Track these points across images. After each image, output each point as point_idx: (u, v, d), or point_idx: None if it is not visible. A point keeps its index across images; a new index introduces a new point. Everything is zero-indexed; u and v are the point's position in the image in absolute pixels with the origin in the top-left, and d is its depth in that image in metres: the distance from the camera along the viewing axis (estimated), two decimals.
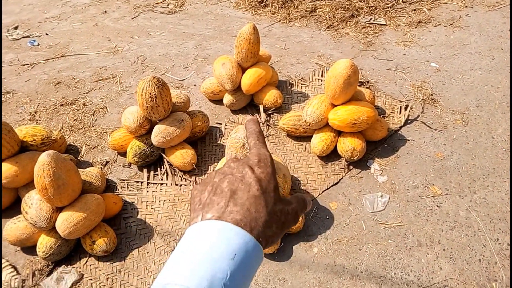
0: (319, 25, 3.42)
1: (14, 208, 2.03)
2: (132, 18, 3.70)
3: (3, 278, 1.81)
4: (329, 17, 3.48)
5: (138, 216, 2.00)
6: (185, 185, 2.14)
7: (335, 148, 2.18)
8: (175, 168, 2.18)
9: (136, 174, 2.21)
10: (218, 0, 3.93)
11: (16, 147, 1.98)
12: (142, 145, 2.16)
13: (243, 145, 1.59)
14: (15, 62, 3.27)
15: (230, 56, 2.50)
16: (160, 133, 2.09)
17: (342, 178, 2.11)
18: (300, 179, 2.12)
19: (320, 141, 2.15)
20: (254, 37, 2.33)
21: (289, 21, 3.51)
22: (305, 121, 2.17)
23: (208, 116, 2.36)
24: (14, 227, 1.83)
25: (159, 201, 2.07)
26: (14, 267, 1.84)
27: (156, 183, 2.15)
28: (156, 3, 3.90)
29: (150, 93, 1.99)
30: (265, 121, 2.44)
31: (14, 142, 1.97)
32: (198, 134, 2.31)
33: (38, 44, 3.46)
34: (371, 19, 3.42)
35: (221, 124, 2.49)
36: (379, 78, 2.74)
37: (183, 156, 2.12)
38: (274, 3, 3.75)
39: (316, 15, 3.56)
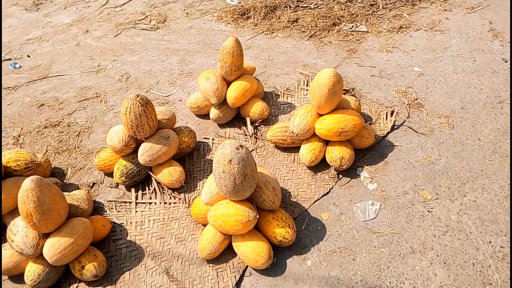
0: (302, 34, 3.44)
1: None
2: (115, 36, 3.69)
3: None
4: (311, 27, 3.50)
5: (128, 238, 1.96)
6: (174, 203, 2.11)
7: (324, 157, 2.17)
8: (164, 186, 2.15)
9: (124, 194, 2.17)
10: (201, 14, 3.94)
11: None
12: (129, 164, 2.13)
13: (230, 161, 1.57)
14: None
15: (215, 70, 2.50)
16: (146, 152, 2.06)
17: (332, 187, 2.10)
18: (290, 191, 2.11)
19: (308, 151, 2.15)
20: (237, 50, 2.33)
21: (272, 32, 3.53)
22: (292, 132, 2.17)
23: (195, 132, 2.34)
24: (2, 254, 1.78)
25: (149, 221, 2.04)
26: None
27: (144, 203, 2.12)
28: (138, 20, 3.89)
29: (134, 112, 1.97)
30: (252, 134, 2.43)
31: None
32: (186, 150, 2.28)
33: (20, 67, 3.41)
34: (352, 26, 3.46)
35: (208, 138, 2.47)
36: (364, 85, 2.76)
37: (171, 174, 2.10)
38: (256, 14, 3.77)
39: (298, 25, 3.58)
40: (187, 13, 3.99)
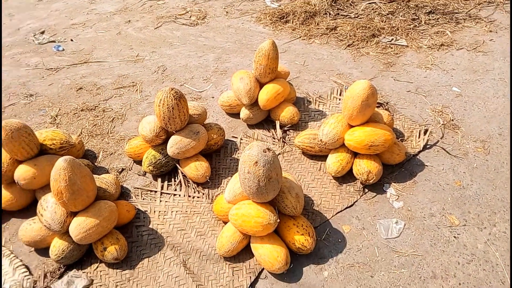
0: (339, 43, 3.42)
1: (30, 209, 2.05)
2: (155, 28, 3.77)
3: (16, 278, 1.82)
4: (350, 36, 3.48)
5: (150, 226, 2.00)
6: (197, 197, 2.14)
7: (351, 169, 2.15)
8: (189, 180, 2.18)
9: (151, 183, 2.22)
10: (240, 14, 3.98)
11: (36, 150, 2.02)
12: (158, 154, 2.18)
13: (256, 162, 1.58)
14: (40, 66, 3.35)
15: (249, 70, 2.51)
16: (175, 144, 2.10)
17: (356, 201, 2.08)
18: (313, 199, 2.10)
19: (335, 162, 2.13)
20: (273, 53, 2.34)
21: (309, 38, 3.52)
22: (321, 140, 2.16)
23: (224, 130, 2.37)
24: (29, 228, 1.86)
25: (171, 211, 2.07)
26: (27, 267, 1.86)
27: (169, 194, 2.16)
28: (178, 15, 3.96)
29: (167, 104, 2.01)
30: (280, 138, 2.44)
31: (34, 145, 2.00)
32: (214, 147, 2.31)
33: (63, 50, 3.54)
34: (392, 39, 3.41)
35: (236, 138, 2.49)
36: (399, 100, 2.72)
37: (197, 168, 2.12)
38: (295, 19, 3.77)
39: (336, 33, 3.56)
40: (226, 12, 4.03)
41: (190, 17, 3.93)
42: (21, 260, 1.90)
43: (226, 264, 1.83)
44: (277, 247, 1.75)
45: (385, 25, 3.59)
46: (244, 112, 2.49)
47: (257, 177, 1.62)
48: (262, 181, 1.63)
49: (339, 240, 1.90)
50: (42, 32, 3.85)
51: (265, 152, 1.60)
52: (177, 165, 2.21)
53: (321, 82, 2.95)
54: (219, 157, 2.37)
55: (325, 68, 3.10)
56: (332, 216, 2.01)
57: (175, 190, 2.18)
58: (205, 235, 1.96)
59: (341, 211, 2.04)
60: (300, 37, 3.54)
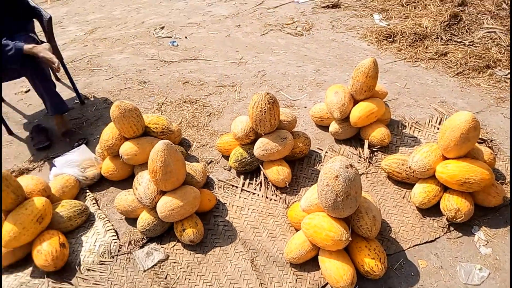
0: (447, 70, 3.24)
1: (128, 182, 2.30)
2: (261, 35, 3.95)
3: (105, 239, 2.07)
4: (460, 64, 3.27)
5: (227, 218, 2.12)
6: (274, 200, 2.20)
7: (438, 203, 2.04)
8: (269, 182, 2.26)
9: (234, 178, 2.35)
10: (346, 29, 3.98)
11: (141, 131, 2.27)
12: (245, 153, 2.29)
13: (336, 176, 1.59)
14: (156, 57, 3.72)
15: (345, 86, 2.52)
16: (262, 146, 2.19)
17: (439, 237, 1.96)
18: (391, 226, 2.03)
19: (422, 192, 2.04)
20: (372, 72, 2.32)
21: (415, 61, 3.39)
22: (409, 167, 2.08)
23: (310, 140, 2.40)
24: (124, 198, 2.09)
25: (248, 209, 2.17)
26: (116, 232, 2.11)
27: (249, 192, 2.26)
28: (285, 24, 4.09)
29: (261, 107, 2.11)
30: (367, 158, 2.40)
31: (140, 126, 2.25)
32: (298, 155, 2.36)
33: (177, 45, 3.89)
34: (508, 73, 3.13)
35: (322, 150, 2.51)
36: (505, 139, 2.49)
37: (278, 172, 2.19)
38: (402, 40, 3.66)
39: (446, 59, 3.38)
40: (333, 26, 4.06)
41: (296, 27, 4.03)
42: (112, 225, 2.15)
43: (291, 270, 1.86)
44: (344, 265, 1.73)
45: (503, 57, 3.31)
46: (334, 126, 2.50)
47: (335, 191, 1.63)
48: (340, 196, 1.63)
49: (412, 274, 1.81)
50: (162, 28, 4.27)
51: (347, 168, 1.61)
52: (261, 166, 2.30)
53: (421, 107, 2.83)
54: (302, 165, 2.41)
55: (427, 94, 2.96)
56: (409, 248, 1.93)
57: (255, 189, 2.27)
58: (275, 238, 2.01)
59: (419, 244, 1.94)
60: (405, 59, 3.43)
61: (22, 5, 2.74)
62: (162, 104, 3.02)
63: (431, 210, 2.06)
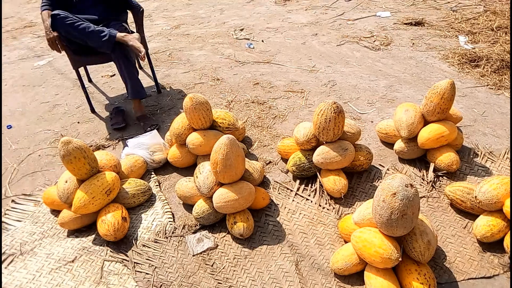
0: None
1: (190, 170, 2.44)
2: (337, 45, 3.94)
3: (162, 220, 2.21)
4: None
5: (277, 219, 2.16)
6: (327, 209, 2.20)
7: (502, 239, 1.90)
8: (324, 190, 2.26)
9: (289, 181, 2.38)
10: (427, 48, 3.83)
11: (208, 124, 2.39)
12: (304, 158, 2.32)
13: (394, 194, 1.56)
14: (231, 57, 3.87)
15: (417, 105, 2.44)
16: (322, 154, 2.20)
17: (498, 275, 1.83)
18: (447, 255, 1.94)
19: (485, 225, 1.92)
20: (448, 94, 2.23)
21: (498, 89, 3.18)
22: (476, 197, 1.97)
23: (373, 155, 2.36)
24: (184, 184, 2.22)
25: (300, 213, 2.19)
26: (173, 215, 2.24)
27: (302, 197, 2.28)
28: (363, 37, 4.05)
29: (326, 116, 2.12)
30: (430, 181, 2.30)
31: (208, 119, 2.37)
32: (358, 168, 2.33)
33: (253, 48, 4.01)
34: None
35: (383, 167, 2.45)
36: None
37: (335, 182, 2.18)
38: (487, 65, 3.45)
39: None
40: (413, 43, 3.94)
41: (374, 41, 3.97)
42: (170, 208, 2.29)
43: (334, 280, 1.85)
44: (391, 285, 1.69)
45: None
46: (399, 145, 2.44)
47: (391, 209, 1.59)
48: (395, 215, 1.60)
49: None
50: (241, 30, 4.43)
51: (407, 186, 1.57)
52: (318, 173, 2.31)
53: (498, 138, 2.65)
54: (360, 179, 2.37)
55: (507, 125, 2.77)
56: (463, 280, 1.82)
57: (309, 195, 2.28)
58: (323, 246, 2.01)
59: (475, 278, 1.83)
60: (487, 85, 3.23)
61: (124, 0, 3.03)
62: (231, 101, 3.15)
63: (493, 245, 1.93)
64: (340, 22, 4.41)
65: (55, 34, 2.68)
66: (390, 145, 2.58)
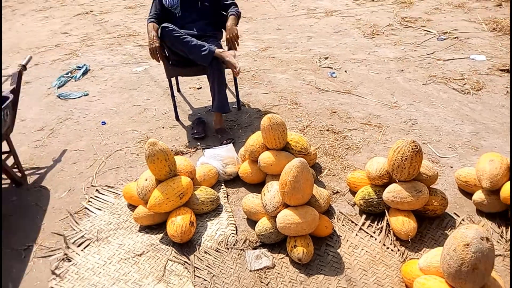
0: None
1: (258, 187, 2.51)
2: (423, 84, 3.83)
3: (225, 231, 2.30)
4: None
5: (338, 250, 2.14)
6: (391, 249, 2.13)
7: None
8: (391, 230, 2.19)
9: (355, 215, 2.35)
10: None
11: (282, 145, 2.46)
12: (373, 193, 2.28)
13: (467, 244, 1.48)
14: (312, 83, 3.94)
15: (504, 157, 2.29)
16: (393, 192, 2.15)
17: None
18: None
19: None
20: None
21: None
22: None
23: (448, 201, 2.25)
24: (251, 200, 2.30)
25: (362, 249, 2.14)
26: (236, 228, 2.32)
27: (367, 233, 2.23)
28: (453, 79, 3.89)
29: (402, 154, 2.08)
30: (509, 240, 2.13)
31: (282, 140, 2.45)
32: (430, 213, 2.23)
33: (336, 77, 4.05)
34: None
35: (458, 216, 2.32)
36: None
37: (404, 224, 2.11)
38: None
39: None
40: (507, 91, 3.70)
41: (464, 84, 3.80)
42: (234, 220, 2.37)
43: None
44: None
45: None
46: (479, 195, 2.29)
47: (461, 260, 1.52)
48: (465, 267, 1.51)
49: None
50: (326, 58, 4.50)
51: (482, 239, 1.48)
52: (386, 211, 2.25)
53: None
54: (431, 225, 2.27)
55: None
56: None
57: (374, 232, 2.23)
58: (382, 287, 1.95)
59: None
60: None
61: (220, 19, 3.29)
62: (306, 126, 3.19)
63: None
64: (430, 61, 4.28)
65: (157, 45, 2.97)
66: (468, 194, 2.43)
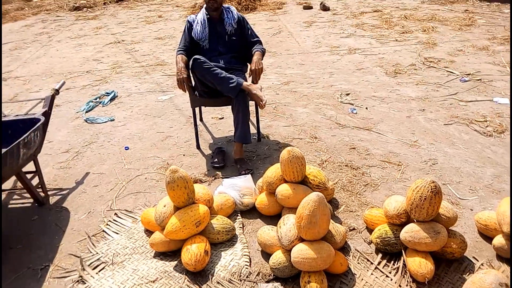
0: None
1: (274, 219, 2.52)
2: (445, 124, 3.82)
3: (239, 262, 2.30)
4: None
5: None
6: None
7: None
8: (407, 271, 2.15)
9: (371, 253, 2.31)
10: None
11: (300, 178, 2.49)
12: (390, 232, 2.25)
13: None
14: (333, 118, 3.99)
15: None
16: (411, 232, 2.12)
17: None
18: None
19: None
20: None
21: None
22: None
23: (467, 245, 2.20)
24: (266, 232, 2.30)
25: None
26: (250, 259, 2.31)
27: (383, 272, 2.19)
28: (476, 120, 3.86)
29: (421, 193, 2.07)
30: None
31: (301, 174, 2.48)
32: (448, 255, 2.18)
33: (356, 113, 4.09)
34: None
35: (477, 260, 2.25)
36: None
37: (420, 265, 2.07)
38: None
39: None
40: None
41: (486, 126, 3.77)
42: (248, 252, 2.37)
43: None
44: None
45: None
46: (499, 240, 2.23)
47: None
48: None
49: None
50: (347, 94, 4.56)
51: (501, 286, 1.45)
52: (403, 251, 2.22)
53: None
54: (449, 268, 2.21)
55: None
56: None
57: (390, 272, 2.19)
58: None
59: None
60: None
61: (246, 54, 3.45)
62: (325, 161, 3.21)
63: None
64: (452, 101, 4.28)
65: (185, 76, 3.11)
66: (488, 238, 2.37)
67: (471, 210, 2.65)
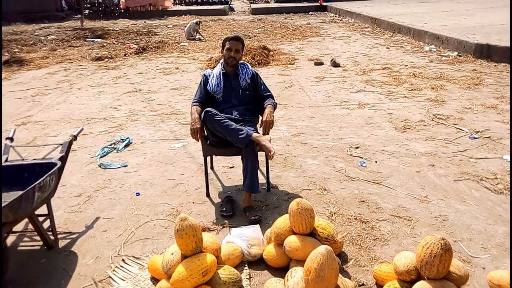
0: None
1: (282, 271, 2.49)
2: (455, 180, 3.81)
3: None
4: None
5: None
6: None
7: None
8: None
9: None
10: None
11: (309, 230, 2.49)
12: None
13: None
14: (342, 171, 4.02)
15: None
16: None
17: None
18: None
19: None
20: None
21: None
22: None
23: None
24: (274, 284, 2.28)
25: None
26: None
27: None
28: (486, 177, 3.86)
29: (431, 250, 2.05)
30: None
31: (310, 226, 2.48)
32: None
33: (366, 166, 4.12)
34: None
35: None
36: None
37: None
38: None
39: None
40: None
41: (497, 184, 3.75)
42: None
43: None
44: None
45: None
46: None
47: None
48: None
49: None
50: (357, 147, 4.62)
51: None
52: None
53: None
54: None
55: None
56: None
57: None
58: None
59: None
60: None
61: (258, 106, 3.59)
62: (334, 213, 3.21)
63: None
64: (461, 158, 4.30)
65: (199, 126, 3.22)
66: None
67: (483, 268, 2.59)
